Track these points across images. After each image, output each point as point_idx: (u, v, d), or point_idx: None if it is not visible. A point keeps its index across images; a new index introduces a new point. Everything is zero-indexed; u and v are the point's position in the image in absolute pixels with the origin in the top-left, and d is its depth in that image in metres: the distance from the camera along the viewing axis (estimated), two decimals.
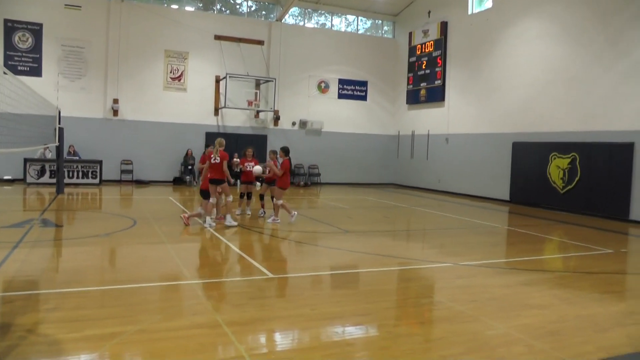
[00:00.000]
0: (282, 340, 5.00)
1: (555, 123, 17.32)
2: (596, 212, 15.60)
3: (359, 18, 26.76)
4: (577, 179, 16.26)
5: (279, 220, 12.12)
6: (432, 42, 23.58)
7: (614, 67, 15.53)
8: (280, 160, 12.36)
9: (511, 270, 8.16)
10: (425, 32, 24.00)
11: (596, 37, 16.08)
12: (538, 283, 7.37)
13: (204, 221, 11.40)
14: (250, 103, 23.13)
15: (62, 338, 4.65)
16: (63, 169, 17.27)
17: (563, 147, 16.79)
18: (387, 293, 6.83)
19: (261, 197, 13.05)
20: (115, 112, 21.63)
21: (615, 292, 7.17)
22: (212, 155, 11.30)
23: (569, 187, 16.52)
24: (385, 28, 27.39)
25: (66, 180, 18.50)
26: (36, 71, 20.43)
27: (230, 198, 11.66)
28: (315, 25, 26.22)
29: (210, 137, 22.41)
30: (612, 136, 15.37)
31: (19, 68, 19.97)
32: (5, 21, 19.98)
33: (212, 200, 11.49)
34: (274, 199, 12.34)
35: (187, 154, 22.32)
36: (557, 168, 16.97)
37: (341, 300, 6.26)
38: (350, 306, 6.01)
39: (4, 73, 8.21)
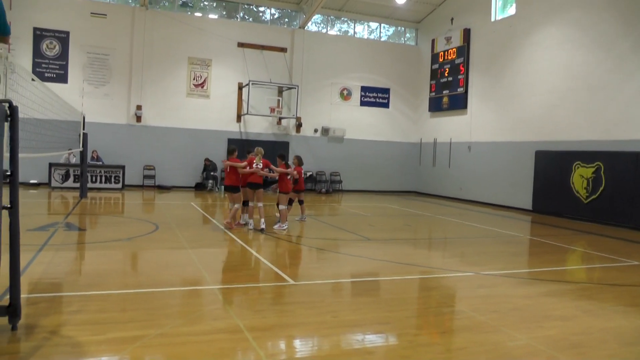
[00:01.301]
0: (302, 347, 4.99)
1: (579, 131, 17.11)
2: (621, 223, 15.33)
3: (382, 25, 26.76)
4: (601, 188, 16.00)
5: (285, 227, 12.11)
6: (454, 49, 23.49)
7: (637, 74, 15.30)
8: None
9: (533, 281, 8.05)
10: (448, 39, 23.91)
11: (619, 43, 15.88)
12: (561, 294, 7.27)
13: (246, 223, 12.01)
14: (272, 110, 23.24)
15: (85, 340, 4.71)
16: (87, 173, 17.52)
17: (587, 156, 16.55)
18: (408, 302, 6.80)
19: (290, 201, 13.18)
20: (139, 118, 21.89)
21: None
22: (254, 161, 11.76)
23: (593, 196, 16.27)
24: (408, 35, 27.34)
25: (89, 185, 18.77)
26: (62, 78, 20.80)
27: (261, 204, 11.80)
28: (338, 33, 26.30)
29: (233, 144, 22.53)
30: (637, 145, 15.12)
31: (46, 75, 20.36)
32: (34, 29, 20.41)
33: (252, 204, 11.89)
34: (278, 205, 12.36)
35: (205, 165, 22.39)
36: (580, 177, 16.73)
37: (362, 308, 6.24)
38: (371, 314, 5.99)
39: (32, 80, 8.36)
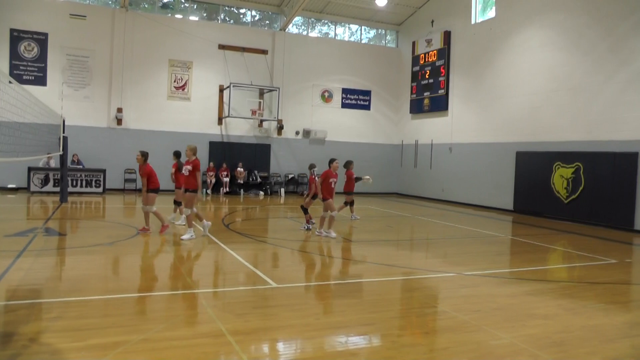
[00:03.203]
0: (285, 350, 4.97)
1: (559, 132, 17.32)
2: (600, 222, 15.55)
3: (363, 27, 26.84)
4: (581, 188, 16.21)
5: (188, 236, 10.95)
6: (435, 51, 23.64)
7: (616, 75, 15.53)
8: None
9: (515, 280, 8.12)
10: (429, 42, 24.06)
11: (599, 45, 16.10)
12: (542, 293, 7.34)
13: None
14: (254, 112, 23.19)
15: (65, 347, 4.63)
16: (67, 177, 17.31)
17: (567, 157, 16.76)
18: (391, 303, 6.81)
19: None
20: (119, 121, 21.69)
21: (620, 303, 7.12)
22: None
23: (573, 196, 16.48)
24: (389, 37, 27.46)
25: (70, 189, 18.53)
26: (41, 80, 20.54)
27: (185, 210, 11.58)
28: (319, 35, 26.31)
29: (214, 147, 22.58)
30: (616, 146, 15.34)
31: (24, 77, 20.08)
32: (12, 31, 20.12)
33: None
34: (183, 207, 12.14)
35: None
36: (560, 178, 16.93)
37: (345, 310, 6.24)
38: (354, 316, 5.99)
39: (10, 82, 8.25)
